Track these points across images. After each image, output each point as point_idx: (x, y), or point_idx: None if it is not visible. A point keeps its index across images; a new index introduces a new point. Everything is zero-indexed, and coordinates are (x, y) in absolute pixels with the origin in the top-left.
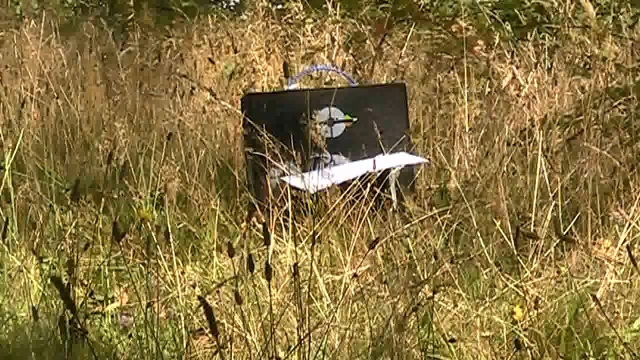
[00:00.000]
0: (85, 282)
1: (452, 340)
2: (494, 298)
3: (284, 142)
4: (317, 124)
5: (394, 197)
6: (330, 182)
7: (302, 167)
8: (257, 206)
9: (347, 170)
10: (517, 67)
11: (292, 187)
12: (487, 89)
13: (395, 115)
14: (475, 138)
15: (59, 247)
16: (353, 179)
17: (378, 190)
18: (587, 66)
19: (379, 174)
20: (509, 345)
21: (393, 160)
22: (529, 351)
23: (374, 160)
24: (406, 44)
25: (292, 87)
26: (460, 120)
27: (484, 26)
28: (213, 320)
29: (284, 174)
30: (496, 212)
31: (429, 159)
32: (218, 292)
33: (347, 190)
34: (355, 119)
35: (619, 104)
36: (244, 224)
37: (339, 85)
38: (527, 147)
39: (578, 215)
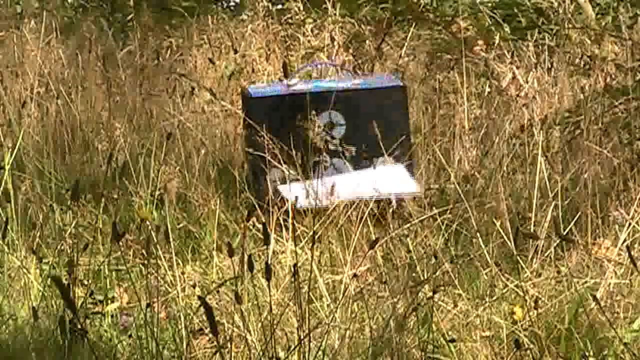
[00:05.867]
0: (85, 282)
1: (452, 340)
2: (494, 298)
3: (284, 143)
4: (316, 127)
5: (393, 197)
6: (332, 200)
7: (302, 170)
8: (257, 206)
9: (349, 184)
10: (517, 67)
11: (295, 206)
12: (487, 89)
13: (395, 116)
14: (475, 138)
15: (59, 247)
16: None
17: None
18: (587, 66)
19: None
20: (509, 345)
21: (391, 186)
22: (529, 351)
23: (374, 179)
24: (406, 44)
25: (292, 82)
26: (460, 120)
27: (484, 26)
28: (213, 320)
29: (284, 181)
30: (496, 212)
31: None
32: (218, 292)
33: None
34: (354, 148)
35: (619, 104)
36: (243, 224)
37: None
38: (526, 144)
39: (578, 215)
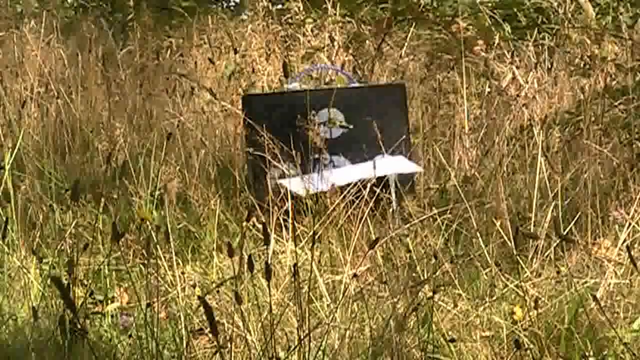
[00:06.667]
0: (85, 282)
1: (452, 340)
2: (494, 298)
3: (284, 142)
4: (316, 125)
5: (393, 197)
6: (328, 186)
7: (302, 168)
8: (257, 206)
9: (345, 173)
10: (517, 67)
11: (292, 192)
12: (487, 89)
13: (395, 115)
14: (475, 138)
15: (59, 247)
16: (350, 184)
17: (378, 191)
18: (587, 66)
19: (377, 177)
20: (509, 345)
21: (389, 167)
22: (529, 351)
23: (373, 163)
24: (406, 44)
25: (292, 86)
26: (460, 120)
27: (484, 26)
28: (213, 320)
29: (283, 175)
30: (496, 212)
31: (428, 159)
32: (218, 292)
33: (347, 190)
34: (351, 126)
35: (619, 104)
36: (244, 224)
37: (339, 85)
38: (526, 146)
39: (578, 215)
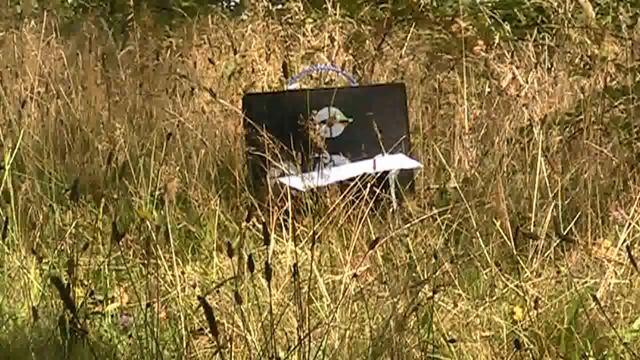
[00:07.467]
0: (85, 282)
1: (452, 340)
2: (494, 298)
3: (284, 142)
4: (316, 124)
5: (393, 197)
6: (325, 182)
7: (302, 168)
8: (257, 206)
9: (344, 170)
10: (517, 67)
11: (292, 188)
12: (487, 89)
13: (395, 116)
14: (475, 138)
15: (59, 247)
16: (348, 179)
17: (378, 191)
18: (587, 66)
19: (376, 175)
20: (509, 345)
21: (390, 163)
22: (529, 351)
23: (373, 161)
24: (406, 44)
25: (292, 87)
26: (460, 120)
27: (484, 26)
28: (213, 320)
29: (283, 174)
30: (496, 212)
31: (428, 159)
32: (218, 292)
33: (347, 190)
34: (351, 120)
35: (619, 104)
36: (244, 224)
37: (339, 85)
38: (526, 146)
39: (578, 215)
